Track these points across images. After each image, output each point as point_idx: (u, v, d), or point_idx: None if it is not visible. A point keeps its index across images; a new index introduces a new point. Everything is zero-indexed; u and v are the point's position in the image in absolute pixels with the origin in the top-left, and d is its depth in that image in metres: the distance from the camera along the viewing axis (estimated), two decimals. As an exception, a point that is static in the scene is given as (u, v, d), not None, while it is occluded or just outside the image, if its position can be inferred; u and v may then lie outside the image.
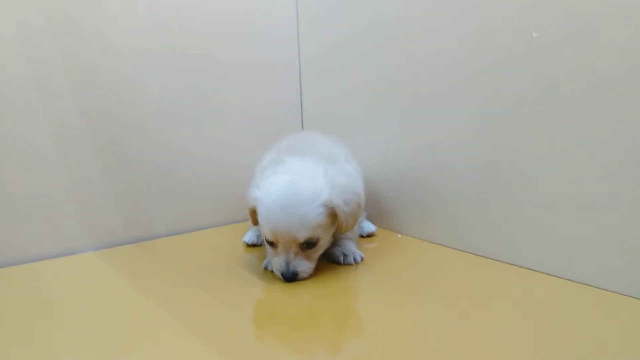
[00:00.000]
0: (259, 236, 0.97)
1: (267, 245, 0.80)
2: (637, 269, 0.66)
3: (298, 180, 0.76)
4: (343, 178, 0.81)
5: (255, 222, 0.82)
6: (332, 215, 0.77)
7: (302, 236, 0.74)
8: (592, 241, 0.71)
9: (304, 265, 0.77)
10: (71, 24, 0.94)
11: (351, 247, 0.87)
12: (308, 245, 0.76)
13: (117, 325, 0.66)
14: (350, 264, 0.85)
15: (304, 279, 0.78)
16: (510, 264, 0.82)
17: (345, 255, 0.85)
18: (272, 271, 0.82)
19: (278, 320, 0.67)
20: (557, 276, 0.76)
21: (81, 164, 0.98)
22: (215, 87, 1.12)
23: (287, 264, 0.76)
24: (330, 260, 0.87)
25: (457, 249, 0.91)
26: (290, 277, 0.76)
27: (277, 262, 0.77)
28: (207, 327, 0.64)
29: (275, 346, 0.59)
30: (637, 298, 0.66)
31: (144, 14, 1.01)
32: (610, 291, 0.69)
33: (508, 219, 0.82)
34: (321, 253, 0.81)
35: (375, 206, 1.08)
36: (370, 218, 1.08)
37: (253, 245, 0.98)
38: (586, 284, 0.72)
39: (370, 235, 1.03)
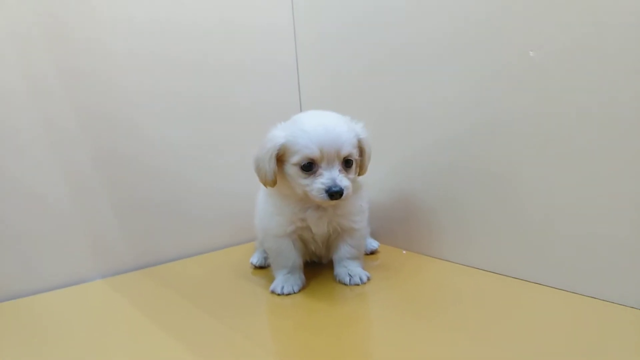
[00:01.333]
0: (266, 258, 0.99)
1: (300, 176, 0.80)
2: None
3: (330, 115, 0.84)
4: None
5: (272, 175, 0.80)
6: (359, 149, 0.84)
7: (346, 151, 0.80)
8: (599, 254, 0.72)
9: (347, 182, 0.80)
10: (83, 74, 0.97)
11: (356, 268, 0.89)
12: (347, 164, 0.82)
13: (127, 353, 0.67)
14: (357, 284, 0.86)
15: (347, 198, 0.80)
16: (516, 278, 0.84)
17: (351, 276, 0.87)
18: (279, 295, 0.83)
19: (289, 343, 0.68)
20: (566, 290, 0.76)
21: (88, 193, 0.99)
22: (219, 115, 1.16)
23: (334, 179, 0.79)
24: (337, 281, 0.88)
25: (464, 265, 0.93)
26: (338, 191, 0.78)
27: (320, 182, 0.79)
28: (216, 352, 0.65)
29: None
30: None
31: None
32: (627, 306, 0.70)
33: (513, 233, 0.84)
34: (351, 191, 0.81)
35: (379, 223, 1.10)
36: (373, 235, 1.09)
37: (260, 267, 0.99)
38: (597, 298, 0.73)
39: (373, 253, 1.04)
